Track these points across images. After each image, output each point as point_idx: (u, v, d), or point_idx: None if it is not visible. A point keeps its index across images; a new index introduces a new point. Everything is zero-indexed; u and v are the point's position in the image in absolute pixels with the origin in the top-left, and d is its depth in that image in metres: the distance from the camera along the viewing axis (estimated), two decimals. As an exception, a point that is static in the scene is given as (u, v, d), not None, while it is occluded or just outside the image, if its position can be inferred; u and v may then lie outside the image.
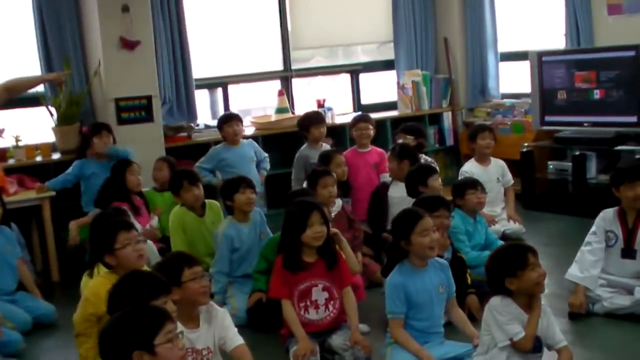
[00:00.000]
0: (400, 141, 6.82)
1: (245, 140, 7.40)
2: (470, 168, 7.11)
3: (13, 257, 5.91)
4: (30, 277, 6.09)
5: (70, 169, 7.06)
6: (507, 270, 3.79)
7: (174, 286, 3.66)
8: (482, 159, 7.18)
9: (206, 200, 6.12)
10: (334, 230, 4.77)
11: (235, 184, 5.59)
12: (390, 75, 9.58)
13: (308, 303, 4.55)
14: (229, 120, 7.24)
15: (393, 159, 6.41)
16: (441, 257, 4.65)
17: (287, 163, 8.12)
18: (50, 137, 7.62)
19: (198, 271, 3.84)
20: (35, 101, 7.59)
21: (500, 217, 6.99)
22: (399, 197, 6.18)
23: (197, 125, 8.21)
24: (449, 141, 9.35)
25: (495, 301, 3.85)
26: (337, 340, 4.51)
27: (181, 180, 5.97)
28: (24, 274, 6.00)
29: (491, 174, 7.09)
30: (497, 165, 7.22)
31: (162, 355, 2.80)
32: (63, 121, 7.49)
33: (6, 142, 7.38)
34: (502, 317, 3.80)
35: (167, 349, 2.82)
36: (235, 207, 5.58)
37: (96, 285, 4.14)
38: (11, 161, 7.35)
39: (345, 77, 9.58)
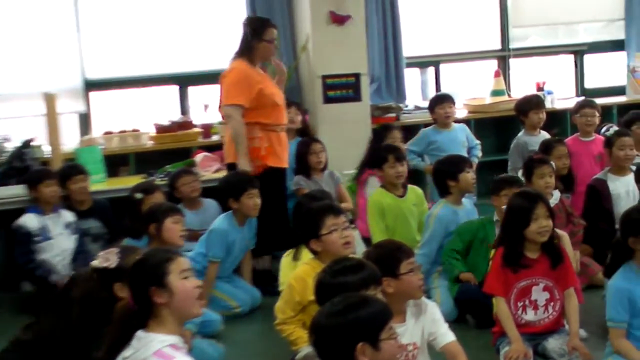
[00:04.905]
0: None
1: (457, 124, 7.34)
2: None
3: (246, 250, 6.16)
4: (250, 264, 6.26)
5: None
6: None
7: (389, 277, 3.67)
8: None
9: (409, 186, 6.11)
10: None
11: (460, 162, 5.64)
12: (619, 57, 9.29)
13: (527, 302, 4.46)
14: (441, 102, 7.21)
15: None
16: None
17: (501, 149, 8.06)
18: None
19: (414, 262, 3.83)
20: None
21: None
22: (623, 191, 6.07)
23: (406, 105, 8.25)
24: (686, 134, 8.91)
25: None
26: (553, 344, 4.42)
27: (387, 154, 5.94)
28: (246, 260, 6.21)
29: None
30: None
31: (384, 350, 2.79)
32: (270, 97, 7.71)
33: (212, 117, 7.67)
34: None
35: (390, 345, 2.81)
36: (458, 188, 5.60)
37: (301, 272, 4.23)
38: (215, 137, 7.66)
39: (567, 58, 9.36)
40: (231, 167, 6.29)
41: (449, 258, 5.45)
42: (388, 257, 3.77)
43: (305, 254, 4.61)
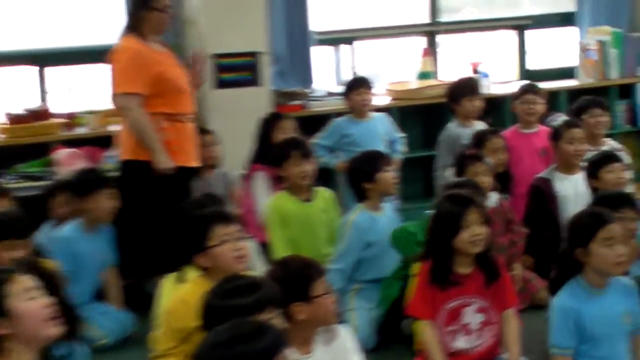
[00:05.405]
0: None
1: (376, 114, 7.41)
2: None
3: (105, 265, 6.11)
4: (117, 285, 6.21)
5: None
6: None
7: (301, 302, 3.70)
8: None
9: (315, 188, 6.14)
10: None
11: (377, 160, 5.68)
12: (569, 33, 9.44)
13: (457, 327, 4.51)
14: (357, 86, 7.26)
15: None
16: (627, 274, 4.57)
17: (429, 143, 8.13)
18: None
19: (326, 282, 3.86)
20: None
21: None
22: (571, 193, 6.20)
23: (316, 91, 8.28)
24: (645, 122, 9.13)
25: None
26: (490, 376, 4.50)
27: (290, 150, 5.97)
28: (112, 280, 6.16)
29: None
30: None
31: None
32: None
33: (78, 106, 7.56)
34: None
35: None
36: (376, 191, 5.65)
37: (184, 294, 4.21)
38: (81, 130, 7.56)
39: (508, 34, 9.47)
40: (128, 165, 6.18)
41: (407, 240, 5.39)
42: (297, 277, 3.79)
43: (192, 275, 4.53)
